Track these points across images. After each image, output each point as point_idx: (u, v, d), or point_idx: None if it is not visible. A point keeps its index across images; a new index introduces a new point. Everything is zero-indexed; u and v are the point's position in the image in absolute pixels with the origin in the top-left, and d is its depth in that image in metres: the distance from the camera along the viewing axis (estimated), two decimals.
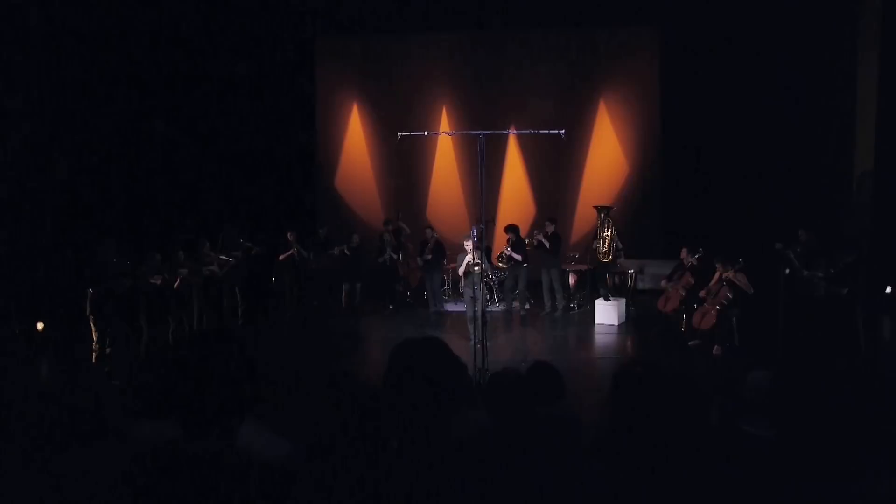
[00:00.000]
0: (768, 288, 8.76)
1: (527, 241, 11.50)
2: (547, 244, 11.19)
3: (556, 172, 14.55)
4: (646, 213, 14.67)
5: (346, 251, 11.67)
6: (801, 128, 13.98)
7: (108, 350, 7.72)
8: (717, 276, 8.99)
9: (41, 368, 8.59)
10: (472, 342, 7.69)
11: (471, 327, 8.36)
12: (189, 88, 13.40)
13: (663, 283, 10.00)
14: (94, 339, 7.68)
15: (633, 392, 1.77)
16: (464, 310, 11.89)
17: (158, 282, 8.25)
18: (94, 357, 7.63)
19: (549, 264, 11.37)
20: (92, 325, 7.69)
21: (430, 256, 11.62)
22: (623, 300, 11.17)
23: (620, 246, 11.45)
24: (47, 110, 9.98)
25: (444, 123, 14.35)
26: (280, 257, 11.58)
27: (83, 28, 10.56)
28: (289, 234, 11.74)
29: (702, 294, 9.14)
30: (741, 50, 13.35)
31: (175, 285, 8.55)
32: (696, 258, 9.56)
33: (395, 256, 11.87)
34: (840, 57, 12.84)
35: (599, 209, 11.28)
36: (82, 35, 10.55)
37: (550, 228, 11.31)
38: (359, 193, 14.92)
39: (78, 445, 2.78)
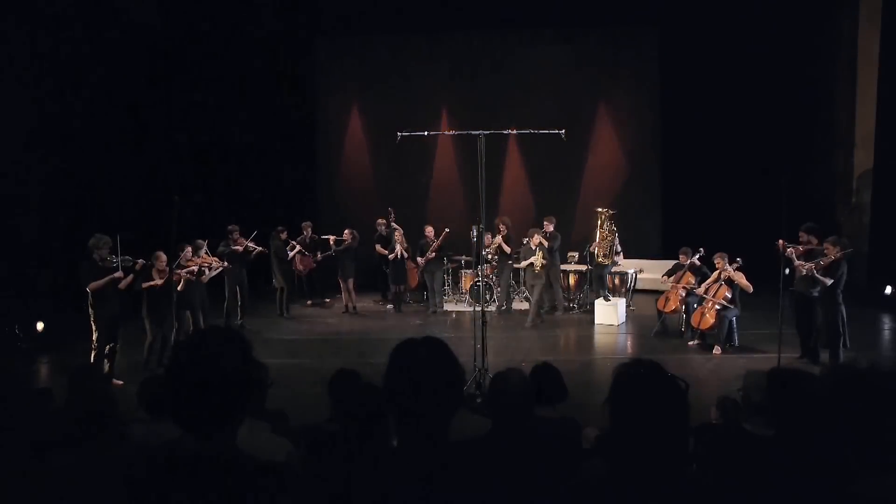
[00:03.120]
0: (768, 287, 8.76)
1: (525, 240, 11.53)
2: (546, 243, 11.18)
3: (556, 172, 14.56)
4: (646, 213, 14.67)
5: (332, 254, 11.77)
6: (800, 127, 13.99)
7: (107, 349, 7.67)
8: (716, 274, 9.00)
9: (41, 368, 8.60)
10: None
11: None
12: (189, 88, 13.40)
13: (663, 279, 10.01)
14: (94, 339, 7.58)
15: (633, 392, 1.77)
16: (463, 309, 11.95)
17: (160, 282, 8.21)
18: (92, 356, 7.54)
19: (548, 262, 11.34)
20: (93, 324, 7.57)
21: (433, 255, 11.62)
22: (623, 300, 11.18)
23: (619, 249, 11.44)
24: (45, 107, 9.97)
25: (444, 123, 14.35)
26: (289, 257, 11.63)
27: (81, 24, 10.56)
28: (281, 235, 11.72)
29: (700, 292, 9.15)
30: (741, 50, 13.35)
31: (180, 287, 8.47)
32: (697, 258, 9.56)
33: (405, 256, 11.86)
34: (840, 57, 12.85)
35: (600, 211, 11.26)
36: (79, 30, 10.53)
37: (549, 227, 11.30)
38: (359, 193, 14.92)
39: (78, 445, 2.78)
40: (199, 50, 13.22)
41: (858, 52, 12.18)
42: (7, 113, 9.28)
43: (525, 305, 12.19)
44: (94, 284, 7.41)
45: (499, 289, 11.76)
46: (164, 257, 8.24)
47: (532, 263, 10.59)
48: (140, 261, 7.88)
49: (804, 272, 7.93)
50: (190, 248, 8.90)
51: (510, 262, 11.41)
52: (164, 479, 1.62)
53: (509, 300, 11.93)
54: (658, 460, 1.71)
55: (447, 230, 11.69)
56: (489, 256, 11.42)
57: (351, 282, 11.73)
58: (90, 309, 7.51)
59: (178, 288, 8.38)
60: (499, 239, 11.26)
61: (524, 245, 10.89)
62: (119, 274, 7.57)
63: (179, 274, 8.44)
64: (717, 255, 8.99)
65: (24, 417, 1.99)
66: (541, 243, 10.73)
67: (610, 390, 1.82)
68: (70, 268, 7.69)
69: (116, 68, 11.42)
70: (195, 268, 8.84)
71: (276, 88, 14.44)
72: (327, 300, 12.70)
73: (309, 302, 12.59)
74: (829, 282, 7.75)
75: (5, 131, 9.28)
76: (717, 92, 13.43)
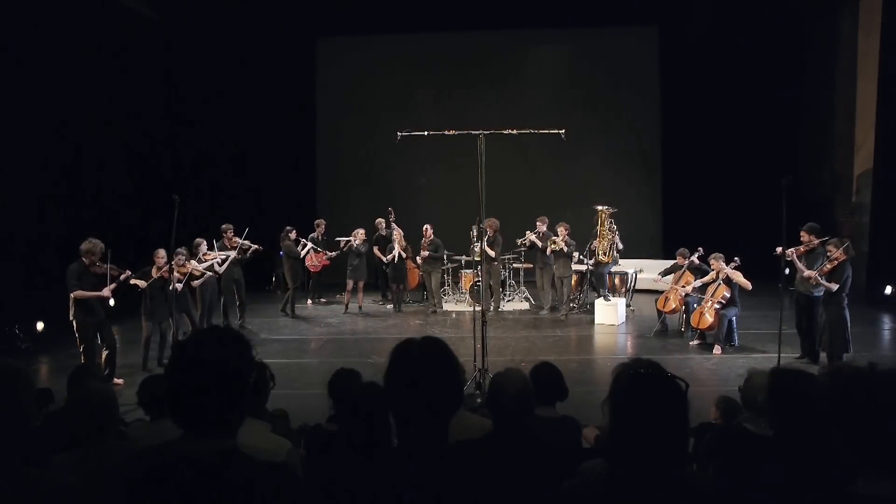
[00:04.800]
0: (768, 287, 8.76)
1: (519, 241, 11.57)
2: (539, 243, 11.22)
3: (555, 172, 14.56)
4: (646, 213, 14.68)
5: (354, 244, 11.74)
6: (800, 127, 14.00)
7: (104, 354, 7.64)
8: (713, 274, 8.99)
9: (41, 368, 8.60)
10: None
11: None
12: (190, 88, 13.40)
13: (657, 278, 10.07)
14: (80, 345, 7.48)
15: (632, 392, 1.77)
16: (463, 309, 11.96)
17: (143, 284, 8.14)
18: (82, 360, 7.47)
19: (540, 263, 11.40)
20: (77, 332, 7.46)
21: (426, 254, 11.63)
22: (623, 300, 11.18)
23: (620, 247, 11.45)
24: (47, 111, 9.97)
25: (445, 123, 14.33)
26: (302, 254, 11.68)
27: (80, 20, 10.55)
28: (291, 235, 11.75)
29: (689, 290, 9.18)
30: (740, 50, 13.36)
31: (171, 287, 8.42)
32: (697, 257, 9.57)
33: (403, 256, 11.88)
34: (840, 57, 12.85)
35: (601, 210, 11.26)
36: (78, 26, 10.53)
37: (542, 227, 11.33)
38: (358, 193, 14.92)
39: (78, 445, 2.78)
40: (198, 50, 13.22)
41: (858, 52, 12.18)
42: (5, 111, 9.28)
43: (525, 305, 12.21)
44: (79, 294, 7.33)
45: (489, 291, 11.76)
46: (163, 253, 8.22)
47: (555, 245, 10.93)
48: (127, 272, 7.83)
49: (809, 279, 7.83)
50: (183, 255, 8.87)
51: (496, 263, 11.41)
52: (164, 480, 1.62)
53: (497, 301, 11.89)
54: (658, 460, 1.71)
55: (426, 226, 11.73)
56: (475, 259, 11.58)
57: (362, 283, 11.77)
58: (74, 313, 7.42)
59: (170, 287, 8.32)
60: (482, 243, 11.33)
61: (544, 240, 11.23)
62: (107, 292, 7.49)
63: (164, 273, 8.34)
64: (713, 257, 8.97)
65: (24, 417, 1.99)
66: (542, 234, 11.18)
67: (610, 390, 1.82)
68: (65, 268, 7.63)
69: (116, 66, 11.42)
70: (185, 271, 8.82)
71: (276, 88, 14.44)
72: (323, 300, 12.72)
73: (309, 302, 12.60)
74: (835, 287, 7.66)
75: (3, 129, 9.27)
76: (717, 92, 13.44)
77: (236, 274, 10.43)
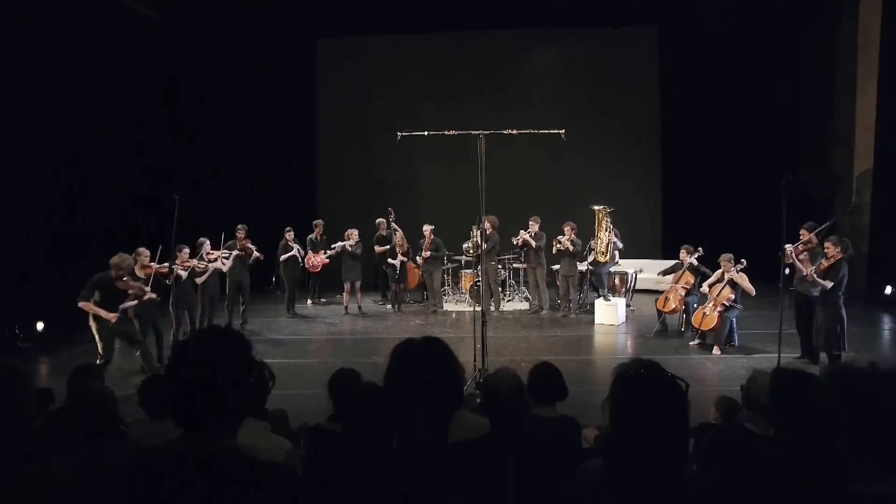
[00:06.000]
0: (768, 287, 8.76)
1: (513, 240, 11.59)
2: (533, 243, 11.24)
3: (555, 172, 14.56)
4: (646, 213, 14.68)
5: (348, 248, 11.69)
6: (800, 127, 14.00)
7: (137, 351, 7.65)
8: (719, 273, 8.97)
9: (41, 368, 8.60)
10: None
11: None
12: (189, 88, 13.40)
13: (659, 277, 10.07)
14: (100, 349, 7.42)
15: (632, 392, 1.77)
16: (463, 309, 11.96)
17: (136, 287, 7.99)
18: (98, 360, 7.44)
19: (534, 262, 11.42)
20: (97, 335, 7.42)
21: (427, 255, 11.62)
22: (623, 300, 11.18)
23: (620, 246, 11.44)
24: (46, 109, 9.96)
25: (444, 123, 14.31)
26: (282, 258, 11.63)
27: (82, 20, 10.54)
28: (287, 235, 11.75)
29: (704, 290, 9.15)
30: (740, 50, 13.36)
31: (169, 281, 8.37)
32: (697, 257, 9.56)
33: (405, 259, 11.87)
34: (840, 56, 12.86)
35: (598, 210, 11.26)
36: (79, 26, 10.52)
37: (535, 226, 11.35)
38: (359, 193, 14.92)
39: (78, 445, 2.78)
40: (198, 50, 13.22)
41: (858, 51, 12.18)
42: (6, 112, 9.27)
43: (525, 305, 12.20)
44: (84, 305, 7.27)
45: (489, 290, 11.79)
46: (146, 253, 8.16)
47: (560, 244, 11.08)
48: (151, 294, 7.83)
49: (804, 274, 7.84)
50: (187, 250, 8.88)
51: (493, 262, 11.41)
52: (164, 479, 1.62)
53: (497, 300, 11.89)
54: (658, 460, 1.71)
55: (426, 228, 11.72)
56: (466, 258, 11.78)
57: (357, 283, 11.74)
58: (91, 319, 7.38)
59: (168, 282, 8.28)
60: (473, 241, 11.41)
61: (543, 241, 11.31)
62: (113, 316, 7.35)
63: (162, 270, 8.28)
64: (724, 257, 8.93)
65: (25, 417, 1.99)
66: (535, 234, 11.24)
67: (610, 390, 1.82)
68: (69, 268, 7.63)
69: (115, 66, 11.41)
70: (190, 265, 8.83)
71: (276, 88, 14.44)
72: (323, 300, 12.72)
73: (309, 302, 12.60)
74: (830, 284, 7.66)
75: (4, 130, 9.27)
76: (717, 91, 13.44)
77: (238, 275, 10.45)
